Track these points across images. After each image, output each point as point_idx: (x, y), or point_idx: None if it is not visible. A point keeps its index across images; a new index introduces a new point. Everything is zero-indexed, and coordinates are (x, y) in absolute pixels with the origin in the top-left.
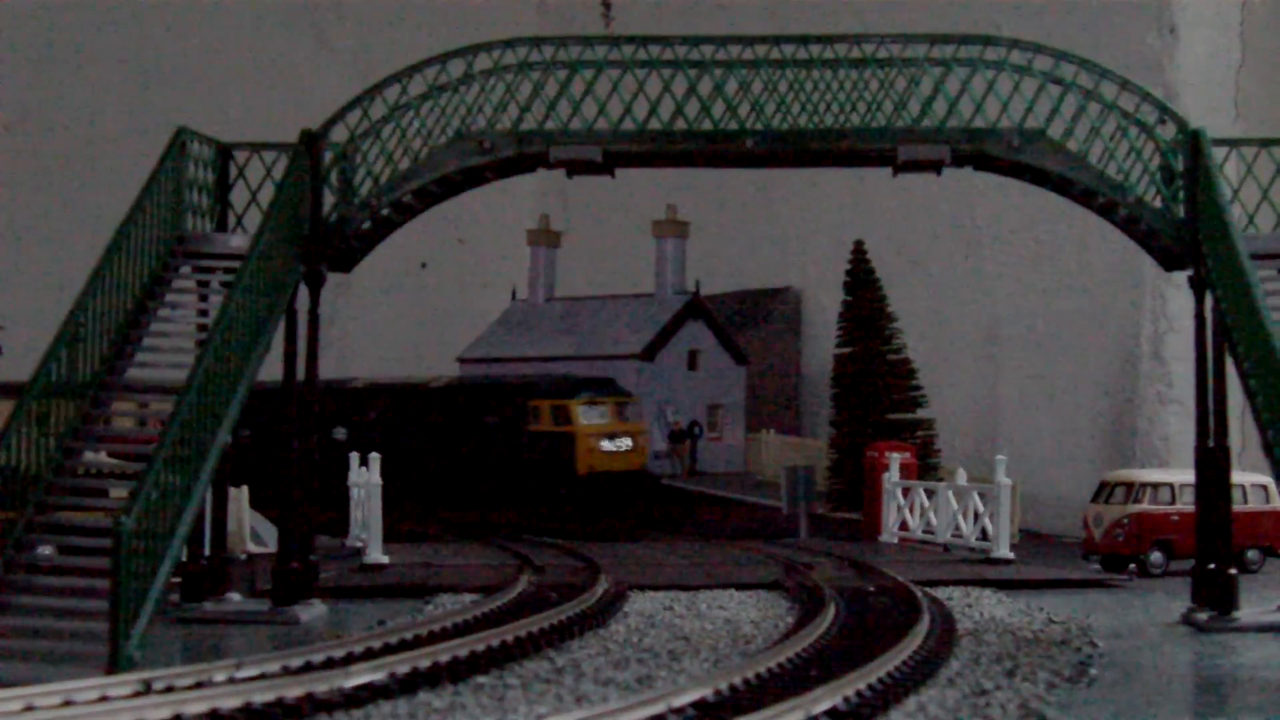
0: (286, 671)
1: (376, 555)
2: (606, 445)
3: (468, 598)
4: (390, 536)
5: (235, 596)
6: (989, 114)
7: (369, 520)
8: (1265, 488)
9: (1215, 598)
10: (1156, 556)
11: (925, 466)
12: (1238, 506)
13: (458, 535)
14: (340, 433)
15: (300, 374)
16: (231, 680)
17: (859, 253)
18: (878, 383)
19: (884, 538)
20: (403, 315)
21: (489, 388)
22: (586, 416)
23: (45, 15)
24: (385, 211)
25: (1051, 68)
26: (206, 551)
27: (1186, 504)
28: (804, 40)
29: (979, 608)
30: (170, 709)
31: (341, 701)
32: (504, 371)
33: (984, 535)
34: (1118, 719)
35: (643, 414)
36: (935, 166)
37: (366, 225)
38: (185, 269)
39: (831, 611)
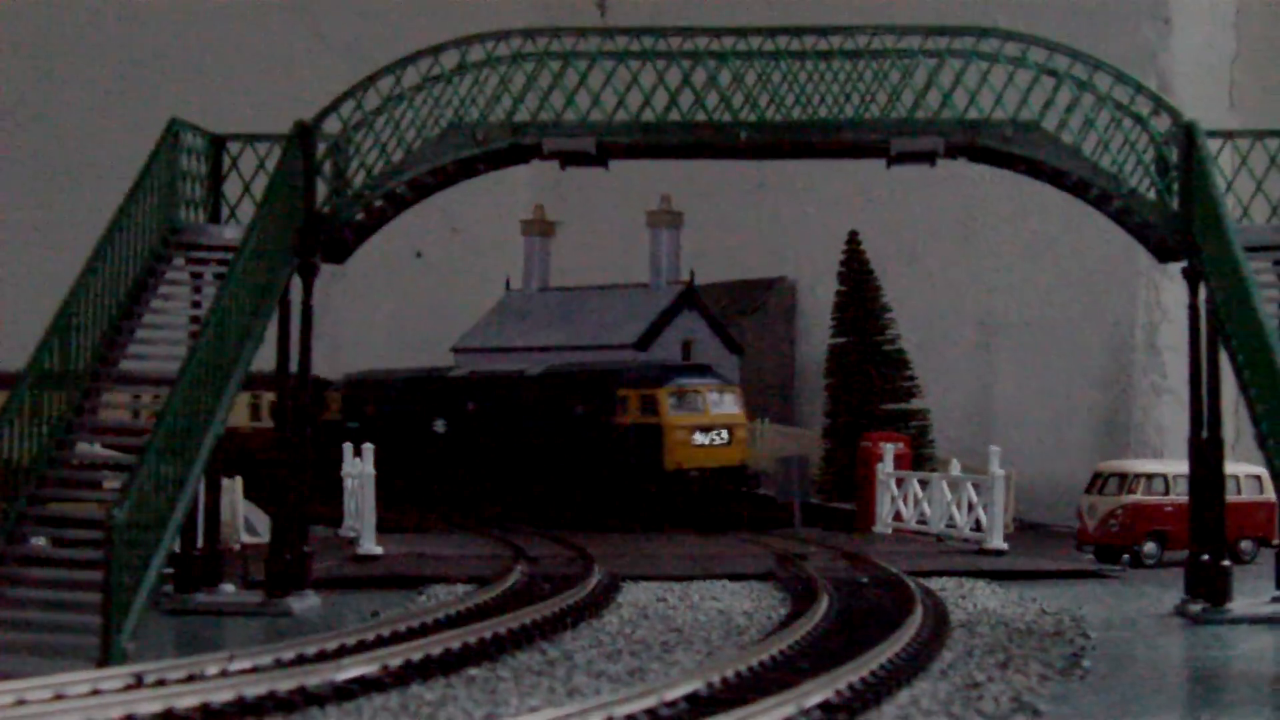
0: (279, 664)
1: (370, 546)
2: (699, 439)
3: (460, 589)
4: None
5: (229, 588)
6: (983, 106)
7: (362, 511)
8: (1259, 478)
9: (1209, 589)
10: (1150, 547)
11: (919, 457)
12: (1231, 497)
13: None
14: (440, 425)
15: (294, 365)
16: (224, 673)
17: (853, 243)
18: (872, 373)
19: (878, 528)
20: (397, 305)
21: (579, 376)
22: (676, 407)
23: (39, 7)
24: (378, 203)
25: (1046, 59)
26: (200, 543)
27: (1180, 495)
28: (798, 32)
29: (972, 599)
30: (162, 703)
31: (333, 695)
32: (588, 360)
33: (978, 526)
34: (1110, 711)
35: (742, 403)
36: (929, 158)
37: (360, 216)
38: (179, 260)
39: (824, 603)
